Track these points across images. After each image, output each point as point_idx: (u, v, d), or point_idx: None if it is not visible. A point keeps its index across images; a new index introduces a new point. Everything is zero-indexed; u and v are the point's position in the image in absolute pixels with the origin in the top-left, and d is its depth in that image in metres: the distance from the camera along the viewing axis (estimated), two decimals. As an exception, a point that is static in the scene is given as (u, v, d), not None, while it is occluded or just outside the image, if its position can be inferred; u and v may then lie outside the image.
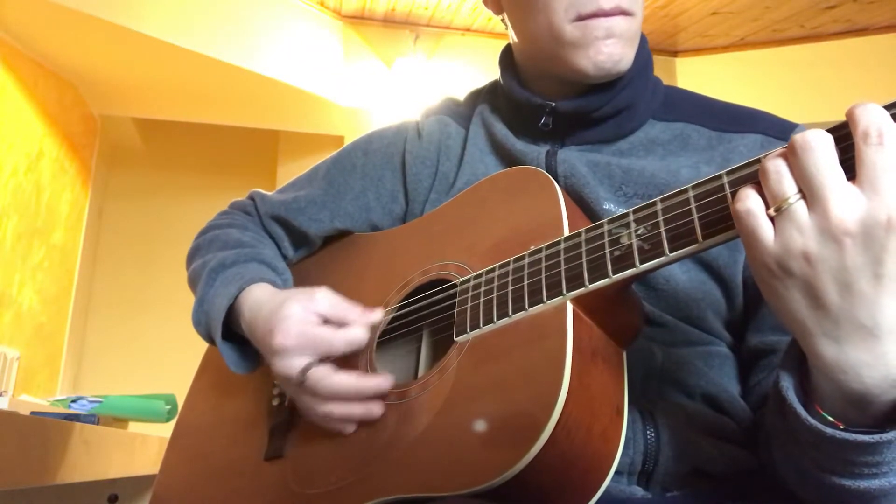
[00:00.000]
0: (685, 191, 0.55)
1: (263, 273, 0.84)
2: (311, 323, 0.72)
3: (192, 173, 4.06)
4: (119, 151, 3.98)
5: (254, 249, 0.89)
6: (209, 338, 0.84)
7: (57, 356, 3.32)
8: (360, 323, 0.73)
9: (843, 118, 0.47)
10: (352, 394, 0.69)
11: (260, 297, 0.79)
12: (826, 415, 0.50)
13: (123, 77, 3.24)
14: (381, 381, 0.69)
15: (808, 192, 0.46)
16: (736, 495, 0.65)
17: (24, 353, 2.93)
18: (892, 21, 3.42)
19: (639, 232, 0.56)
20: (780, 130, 0.77)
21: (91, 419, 1.78)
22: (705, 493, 0.66)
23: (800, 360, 0.52)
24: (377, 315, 0.75)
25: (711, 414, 0.69)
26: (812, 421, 0.49)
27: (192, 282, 0.90)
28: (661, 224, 0.55)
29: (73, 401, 1.94)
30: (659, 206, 0.56)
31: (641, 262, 0.55)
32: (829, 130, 0.47)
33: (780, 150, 0.48)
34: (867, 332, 0.45)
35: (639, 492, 0.65)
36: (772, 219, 0.47)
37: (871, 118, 0.44)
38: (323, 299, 0.74)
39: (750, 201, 0.48)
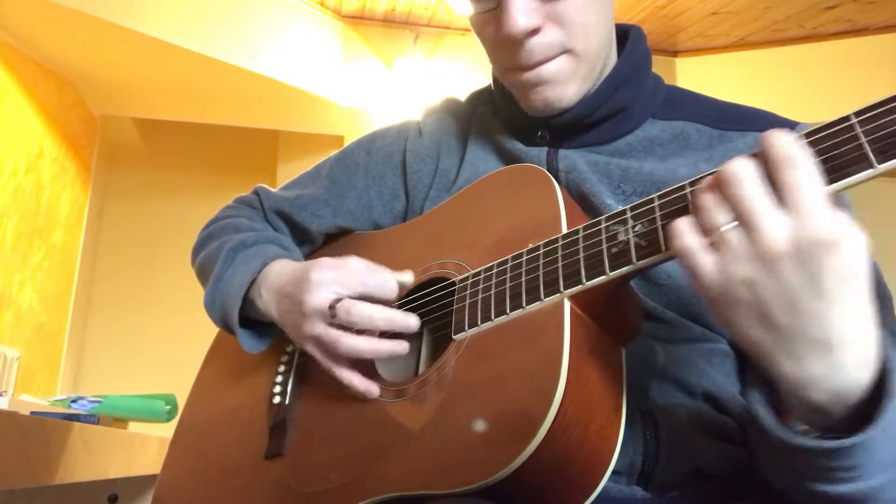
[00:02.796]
0: (682, 187, 0.55)
1: (285, 255, 0.85)
2: (344, 264, 0.74)
3: (192, 173, 4.06)
4: (119, 151, 3.98)
5: (273, 234, 0.91)
6: (222, 319, 0.84)
7: (57, 356, 3.32)
8: (391, 275, 0.74)
9: (842, 117, 0.48)
10: (383, 321, 0.69)
11: (286, 265, 0.80)
12: (796, 423, 0.51)
13: (123, 77, 3.24)
14: (411, 319, 0.70)
15: (741, 220, 0.48)
16: (736, 495, 0.65)
17: (24, 353, 2.93)
18: (892, 21, 3.41)
19: (636, 228, 0.56)
20: (779, 129, 0.77)
21: (91, 419, 1.77)
22: (705, 493, 0.66)
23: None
24: (408, 277, 0.75)
25: (712, 413, 0.69)
26: (779, 431, 0.51)
27: (205, 266, 0.90)
28: (658, 220, 0.55)
29: (73, 401, 1.94)
30: (656, 203, 0.56)
31: (638, 259, 0.55)
32: (753, 155, 0.49)
33: (709, 178, 0.50)
34: (820, 345, 0.47)
35: (638, 492, 0.65)
36: (711, 247, 0.49)
37: (782, 145, 0.47)
38: (355, 259, 0.75)
39: (686, 238, 0.50)
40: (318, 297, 0.71)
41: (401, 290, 0.74)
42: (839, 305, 0.46)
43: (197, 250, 0.94)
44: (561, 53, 0.73)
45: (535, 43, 0.71)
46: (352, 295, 0.72)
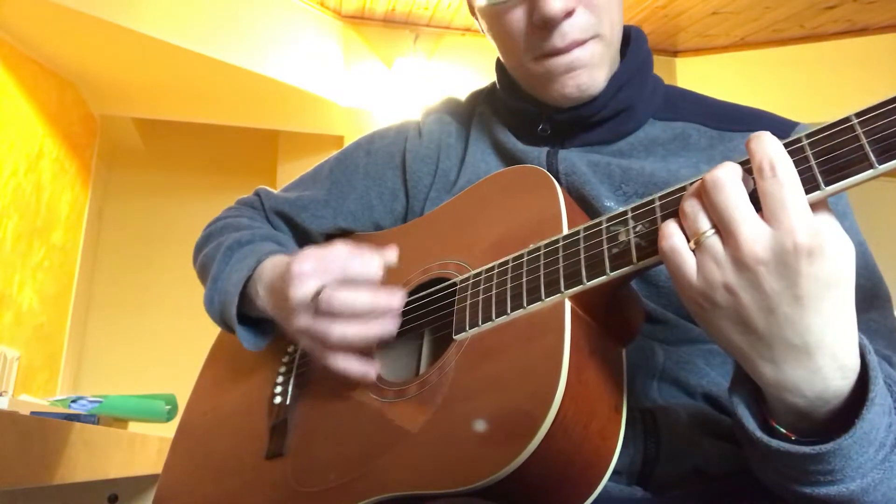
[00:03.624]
0: (683, 188, 0.54)
1: (280, 251, 0.85)
2: (325, 252, 0.73)
3: (192, 173, 4.06)
4: (119, 151, 3.99)
5: (270, 231, 0.91)
6: (221, 318, 0.84)
7: (57, 356, 3.32)
8: (374, 255, 0.73)
9: (842, 118, 0.48)
10: (367, 306, 0.68)
11: (280, 261, 0.79)
12: (779, 427, 0.51)
13: (123, 77, 3.24)
14: (395, 298, 0.69)
15: (720, 226, 0.48)
16: (736, 495, 0.65)
17: (24, 353, 2.93)
18: (892, 21, 3.42)
19: (636, 229, 0.56)
20: (780, 129, 0.77)
21: (91, 419, 1.78)
22: (705, 493, 0.66)
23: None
24: (392, 255, 0.74)
25: (712, 413, 0.69)
26: (759, 434, 0.51)
27: (205, 266, 0.90)
28: (659, 221, 0.55)
29: (73, 401, 1.94)
30: (657, 203, 0.56)
31: (639, 260, 0.55)
32: (740, 162, 0.50)
33: (696, 184, 0.51)
34: (799, 351, 0.47)
35: (638, 492, 0.65)
36: (694, 252, 0.50)
37: (765, 151, 0.47)
38: (339, 244, 0.74)
39: (675, 238, 0.51)
40: (302, 290, 0.71)
41: (387, 267, 0.73)
42: (818, 312, 0.46)
43: (198, 250, 0.95)
44: (591, 38, 0.74)
45: (570, 25, 0.72)
46: (335, 282, 0.71)
